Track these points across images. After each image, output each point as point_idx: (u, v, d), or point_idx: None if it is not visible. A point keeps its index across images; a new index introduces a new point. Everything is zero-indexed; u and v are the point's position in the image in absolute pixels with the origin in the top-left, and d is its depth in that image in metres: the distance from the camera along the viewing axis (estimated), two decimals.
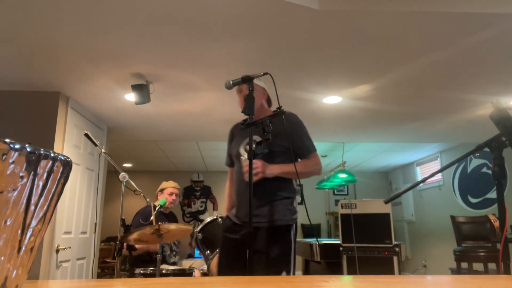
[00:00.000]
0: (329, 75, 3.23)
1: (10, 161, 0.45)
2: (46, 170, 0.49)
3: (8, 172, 0.45)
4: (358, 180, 7.39)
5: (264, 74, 1.83)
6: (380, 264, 4.26)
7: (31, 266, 0.52)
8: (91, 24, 2.40)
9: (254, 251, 1.67)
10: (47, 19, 2.34)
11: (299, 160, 2.06)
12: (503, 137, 1.31)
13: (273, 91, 2.12)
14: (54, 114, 3.46)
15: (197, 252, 6.83)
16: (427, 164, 7.48)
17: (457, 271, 4.53)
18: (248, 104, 1.75)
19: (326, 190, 8.72)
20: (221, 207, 8.69)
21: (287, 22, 2.41)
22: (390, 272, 4.23)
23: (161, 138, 5.34)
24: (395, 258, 4.25)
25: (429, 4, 2.28)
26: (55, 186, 0.51)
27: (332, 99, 3.80)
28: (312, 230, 8.31)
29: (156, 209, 2.95)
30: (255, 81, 2.06)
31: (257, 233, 1.89)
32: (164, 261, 3.55)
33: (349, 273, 4.31)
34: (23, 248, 0.48)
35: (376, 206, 4.40)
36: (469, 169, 6.21)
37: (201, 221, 3.47)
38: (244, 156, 1.99)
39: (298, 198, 2.12)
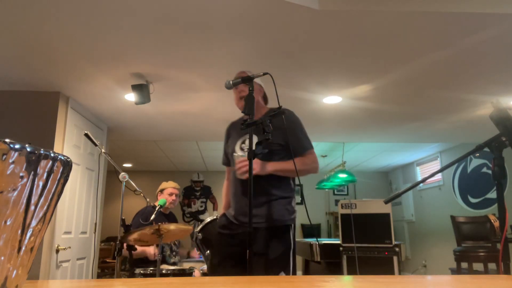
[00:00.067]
0: (329, 75, 3.23)
1: (10, 161, 0.45)
2: (46, 170, 0.49)
3: (8, 172, 0.45)
4: (358, 180, 7.39)
5: (264, 74, 1.82)
6: (380, 264, 4.26)
7: (31, 266, 0.52)
8: (91, 24, 2.40)
9: (253, 253, 1.65)
10: (47, 19, 2.34)
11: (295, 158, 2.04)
12: (503, 137, 1.31)
13: (269, 89, 2.12)
14: (54, 114, 3.46)
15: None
16: (427, 164, 7.48)
17: (457, 271, 4.53)
18: (248, 104, 1.75)
19: (326, 190, 8.72)
20: (221, 207, 8.69)
21: (287, 22, 2.41)
22: (390, 272, 4.23)
23: (161, 138, 5.34)
24: (395, 258, 4.25)
25: (429, 4, 2.28)
26: (55, 186, 0.51)
27: (332, 99, 3.80)
28: (312, 230, 8.31)
29: (156, 209, 2.95)
30: None
31: (256, 233, 1.87)
32: (164, 261, 3.55)
33: (349, 273, 4.31)
34: (23, 248, 0.48)
35: (376, 206, 4.40)
36: (469, 169, 6.21)
37: (201, 221, 3.48)
38: (237, 153, 1.97)
39: (298, 198, 2.11)
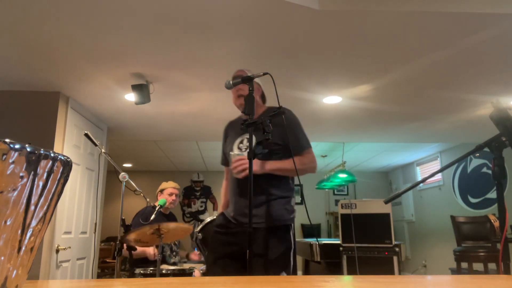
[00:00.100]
0: (329, 75, 3.23)
1: (10, 161, 0.45)
2: (46, 170, 0.49)
3: (8, 172, 0.45)
4: (358, 180, 7.39)
5: (264, 74, 1.82)
6: (380, 264, 4.27)
7: (31, 266, 0.52)
8: (91, 24, 2.40)
9: (254, 253, 1.64)
10: (47, 19, 2.34)
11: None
12: (503, 137, 1.31)
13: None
14: (54, 114, 3.46)
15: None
16: (427, 164, 7.48)
17: (457, 271, 4.53)
18: (248, 104, 1.75)
19: (326, 190, 8.72)
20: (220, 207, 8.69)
21: (287, 22, 2.41)
22: (390, 272, 4.23)
23: (161, 138, 5.34)
24: (395, 258, 4.25)
25: (429, 4, 2.28)
26: (55, 186, 0.51)
27: (332, 99, 3.80)
28: (312, 230, 8.31)
29: (156, 209, 2.95)
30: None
31: (255, 234, 1.86)
32: (164, 261, 3.55)
33: (349, 273, 4.31)
34: (23, 248, 0.48)
35: (376, 206, 4.40)
36: (469, 169, 6.21)
37: (201, 221, 3.47)
38: (233, 152, 1.96)
39: (298, 198, 2.10)
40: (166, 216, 3.64)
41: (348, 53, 2.83)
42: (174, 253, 3.66)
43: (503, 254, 1.34)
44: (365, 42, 2.67)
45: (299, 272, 6.86)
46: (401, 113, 4.25)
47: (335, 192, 9.04)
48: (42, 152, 0.48)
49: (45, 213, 0.51)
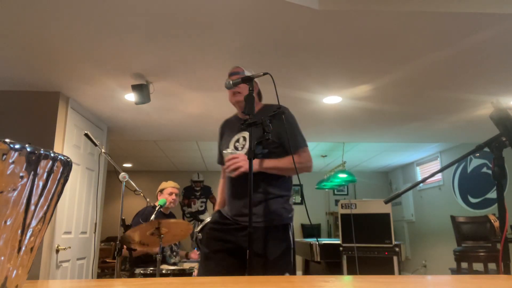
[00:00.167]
0: (329, 75, 3.23)
1: (10, 161, 0.45)
2: (46, 170, 0.49)
3: (8, 172, 0.45)
4: (358, 180, 7.39)
5: (264, 74, 1.82)
6: (380, 264, 4.27)
7: (31, 266, 0.52)
8: (91, 24, 2.40)
9: (251, 253, 1.63)
10: (47, 19, 2.34)
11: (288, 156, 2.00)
12: (503, 137, 1.31)
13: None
14: (54, 114, 3.46)
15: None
16: (427, 164, 7.48)
17: (457, 271, 4.53)
18: (249, 104, 1.75)
19: (326, 190, 8.72)
20: None
21: (287, 22, 2.41)
22: (390, 272, 4.23)
23: (161, 138, 5.34)
24: (395, 258, 4.25)
25: (429, 4, 2.28)
26: (55, 186, 0.51)
27: (332, 99, 3.80)
28: (312, 230, 8.31)
29: (156, 209, 2.95)
30: (246, 73, 2.04)
31: (254, 233, 1.84)
32: (164, 261, 3.55)
33: (349, 273, 4.31)
34: (23, 248, 0.48)
35: (376, 206, 4.40)
36: (469, 169, 6.21)
37: (201, 221, 3.47)
38: (227, 150, 1.95)
39: (298, 198, 2.09)
40: (166, 215, 3.64)
41: (348, 53, 2.83)
42: (174, 253, 3.66)
43: (503, 254, 1.34)
44: (365, 42, 2.67)
45: (299, 272, 6.86)
46: (401, 113, 4.25)
47: (335, 192, 9.04)
48: (42, 152, 0.48)
49: (45, 213, 0.51)
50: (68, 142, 3.62)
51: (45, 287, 0.81)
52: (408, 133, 5.10)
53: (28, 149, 0.46)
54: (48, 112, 3.46)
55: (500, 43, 2.68)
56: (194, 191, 8.87)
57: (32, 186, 0.48)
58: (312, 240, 4.95)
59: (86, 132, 2.67)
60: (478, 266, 4.46)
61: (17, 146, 0.45)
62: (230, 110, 2.25)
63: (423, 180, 1.47)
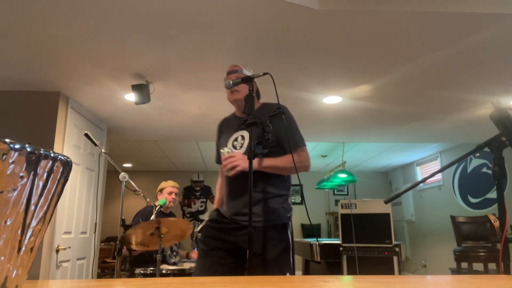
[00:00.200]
0: (329, 75, 3.23)
1: (10, 161, 0.45)
2: (46, 170, 0.49)
3: (8, 172, 0.45)
4: (358, 180, 7.39)
5: (264, 74, 1.82)
6: (380, 264, 4.27)
7: (31, 266, 0.52)
8: (91, 24, 2.40)
9: (249, 253, 1.63)
10: (47, 19, 2.34)
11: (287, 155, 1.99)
12: (503, 137, 1.31)
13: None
14: (54, 114, 3.46)
15: None
16: (427, 164, 7.48)
17: (457, 271, 4.53)
18: (249, 104, 1.75)
19: (326, 190, 8.72)
20: None
21: (287, 22, 2.41)
22: (390, 272, 4.23)
23: (161, 138, 5.34)
24: (395, 258, 4.25)
25: (429, 4, 2.28)
26: (55, 186, 0.51)
27: (332, 99, 3.80)
28: (312, 230, 8.31)
29: (156, 209, 2.95)
30: (245, 71, 2.04)
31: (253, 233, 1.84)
32: (164, 261, 3.55)
33: (349, 273, 4.31)
34: (23, 248, 0.48)
35: (376, 206, 4.40)
36: (469, 169, 6.21)
37: (201, 221, 3.47)
38: (224, 149, 1.95)
39: (298, 198, 2.09)
40: (166, 215, 3.64)
41: (348, 53, 2.83)
42: (174, 253, 3.66)
43: (503, 254, 1.34)
44: (365, 42, 2.67)
45: (299, 272, 6.86)
46: (401, 113, 4.25)
47: (335, 192, 9.04)
48: (42, 152, 0.48)
49: (45, 213, 0.51)
50: (68, 142, 3.62)
51: (45, 287, 0.81)
52: (408, 133, 5.10)
53: (28, 149, 0.46)
54: (48, 112, 3.46)
55: (500, 43, 2.68)
56: (194, 191, 8.88)
57: (32, 186, 0.48)
58: (312, 240, 4.95)
59: (86, 132, 2.67)
60: (478, 266, 4.46)
61: (17, 146, 0.45)
62: (230, 110, 2.25)
63: (423, 180, 1.47)
